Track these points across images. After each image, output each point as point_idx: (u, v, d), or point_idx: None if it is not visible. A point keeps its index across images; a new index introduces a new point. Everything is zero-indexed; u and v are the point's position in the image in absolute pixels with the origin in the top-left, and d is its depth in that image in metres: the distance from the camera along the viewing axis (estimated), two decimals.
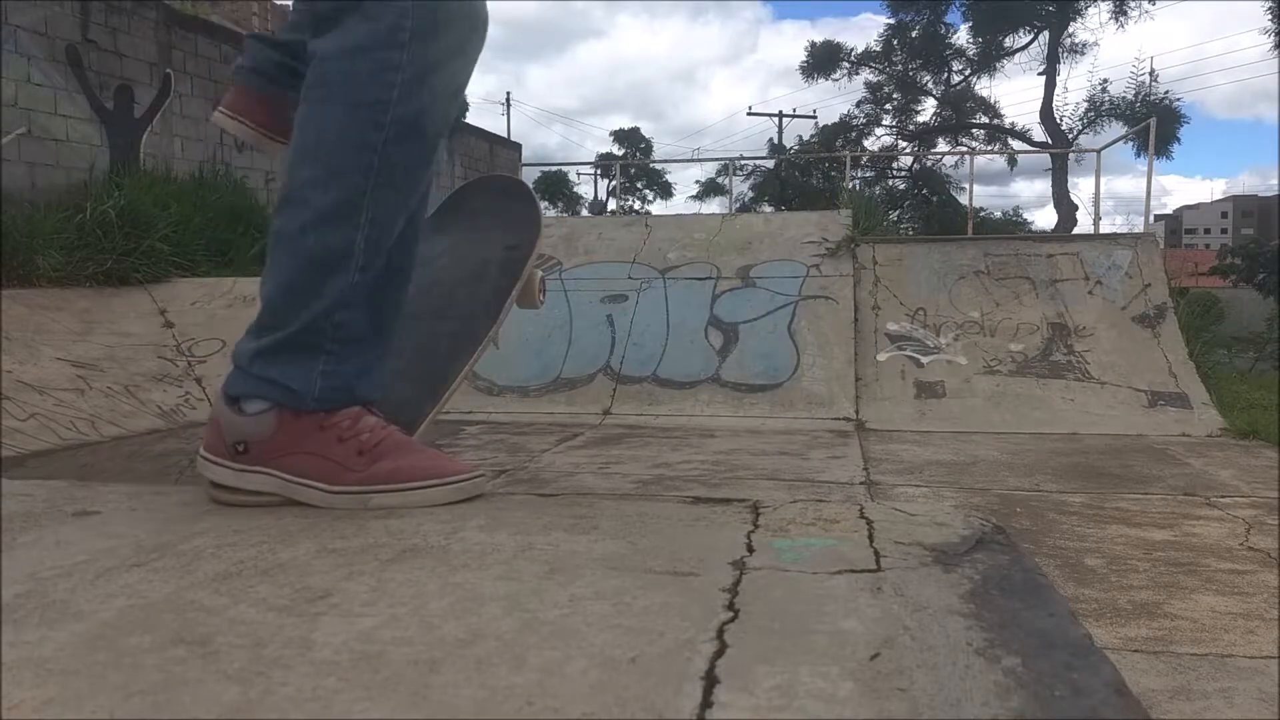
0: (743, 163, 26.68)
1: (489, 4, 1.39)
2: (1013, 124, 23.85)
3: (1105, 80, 32.97)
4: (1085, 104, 21.36)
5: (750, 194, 27.09)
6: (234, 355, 1.28)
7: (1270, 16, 17.94)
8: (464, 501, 1.26)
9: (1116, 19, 20.66)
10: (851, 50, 23.67)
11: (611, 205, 31.44)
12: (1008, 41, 21.79)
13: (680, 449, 4.96)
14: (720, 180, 31.51)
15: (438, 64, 1.25)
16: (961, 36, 22.50)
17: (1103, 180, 10.54)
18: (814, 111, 35.30)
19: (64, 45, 8.18)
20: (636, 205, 37.47)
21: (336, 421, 1.25)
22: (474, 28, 1.31)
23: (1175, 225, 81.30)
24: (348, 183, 1.23)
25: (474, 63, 1.35)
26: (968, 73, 23.04)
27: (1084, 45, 21.37)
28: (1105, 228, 21.53)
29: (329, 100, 1.25)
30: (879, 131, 25.04)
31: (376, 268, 1.26)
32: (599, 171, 34.68)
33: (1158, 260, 6.88)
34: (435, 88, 1.26)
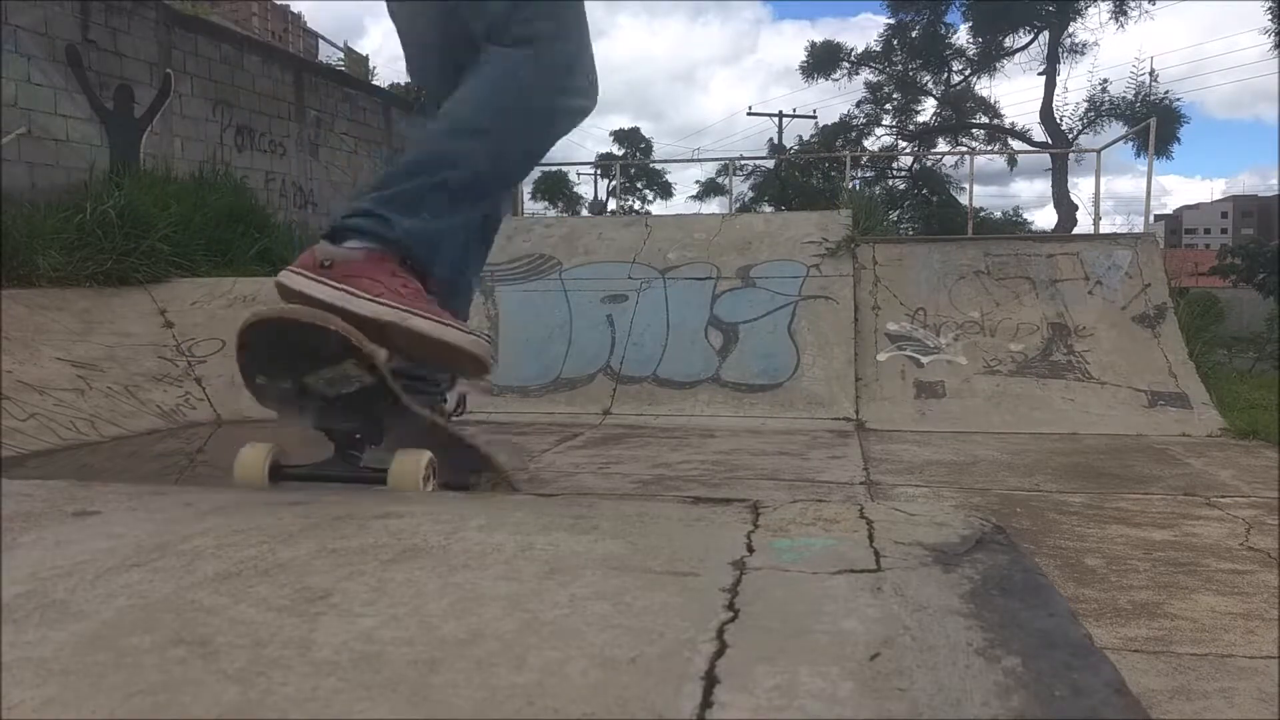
0: (743, 163, 26.68)
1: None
2: (1013, 124, 23.87)
3: (1105, 80, 33.00)
4: (1085, 104, 21.38)
5: (750, 194, 27.09)
6: (353, 199, 1.65)
7: (1270, 16, 17.95)
8: (468, 496, 1.26)
9: (1116, 19, 20.67)
10: (851, 50, 23.68)
11: (611, 205, 31.44)
12: (1008, 41, 21.79)
13: (680, 449, 4.96)
14: (720, 180, 31.51)
15: (550, 121, 1.71)
16: (961, 36, 22.52)
17: (1103, 180, 10.55)
18: (814, 111, 35.32)
19: (64, 45, 8.18)
20: (636, 205, 37.46)
21: (403, 273, 1.54)
22: (571, 115, 1.72)
23: (1175, 225, 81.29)
24: (491, 133, 1.62)
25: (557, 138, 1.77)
26: (968, 73, 23.04)
27: (1084, 45, 21.39)
28: (1105, 228, 21.53)
29: (500, 84, 1.62)
30: (879, 131, 25.05)
31: (478, 190, 1.66)
32: (599, 171, 34.68)
33: (1158, 260, 6.88)
34: (552, 134, 1.73)
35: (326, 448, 1.57)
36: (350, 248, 1.51)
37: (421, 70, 1.90)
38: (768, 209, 23.03)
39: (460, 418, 1.84)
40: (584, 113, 1.73)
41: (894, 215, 20.99)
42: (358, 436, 1.59)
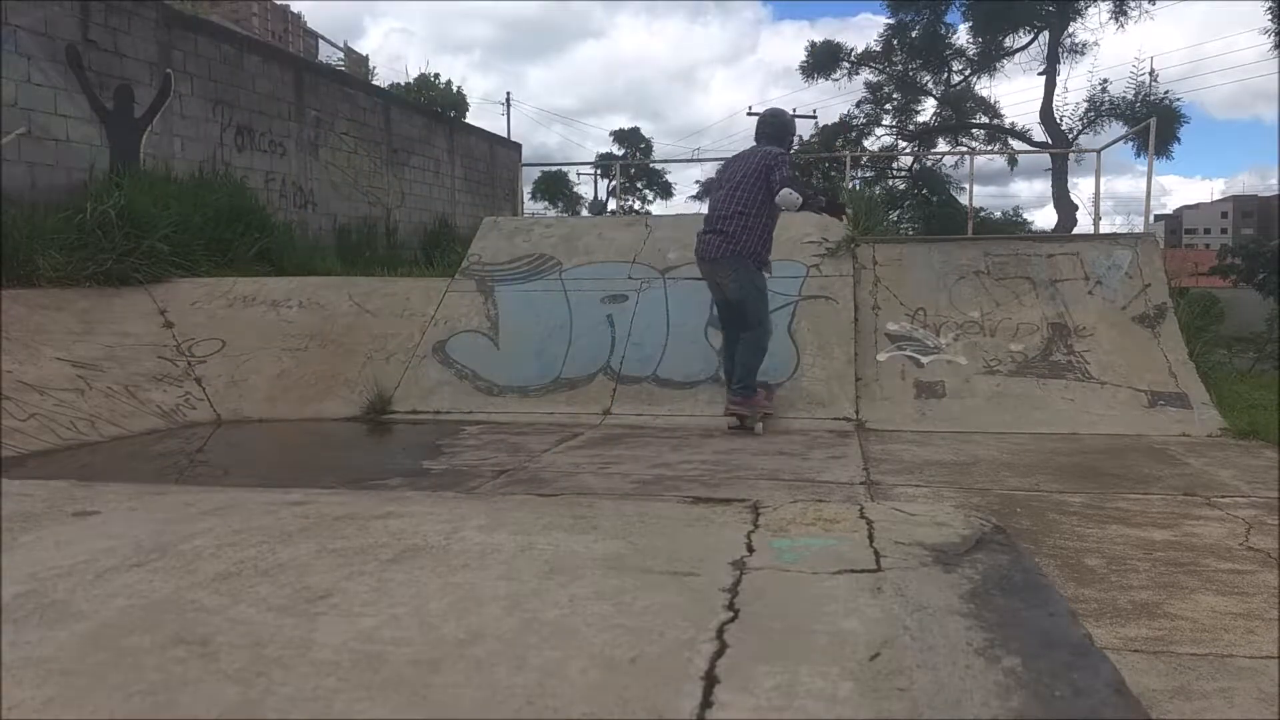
0: None
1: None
2: (1013, 124, 23.85)
3: (1105, 80, 32.98)
4: (1085, 104, 21.36)
5: None
6: (731, 393, 5.67)
7: (1270, 16, 17.93)
8: (467, 496, 1.26)
9: (1116, 19, 20.66)
10: (851, 50, 23.68)
11: (611, 205, 31.42)
12: (1008, 41, 21.78)
13: (680, 449, 4.95)
14: None
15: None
16: (961, 36, 22.51)
17: (1103, 180, 10.54)
18: (814, 111, 35.26)
19: (64, 45, 8.18)
20: (636, 205, 37.45)
21: (758, 397, 5.62)
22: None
23: (1175, 225, 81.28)
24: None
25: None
26: (968, 73, 23.03)
27: (1084, 45, 21.37)
28: (1105, 228, 21.51)
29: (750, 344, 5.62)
30: (879, 131, 25.04)
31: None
32: (599, 171, 34.67)
33: (1158, 260, 6.88)
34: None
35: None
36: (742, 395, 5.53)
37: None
38: None
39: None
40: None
41: (894, 215, 20.97)
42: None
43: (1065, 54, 21.07)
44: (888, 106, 24.39)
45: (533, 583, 0.92)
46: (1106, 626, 2.21)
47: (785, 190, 5.25)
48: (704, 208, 7.22)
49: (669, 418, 6.02)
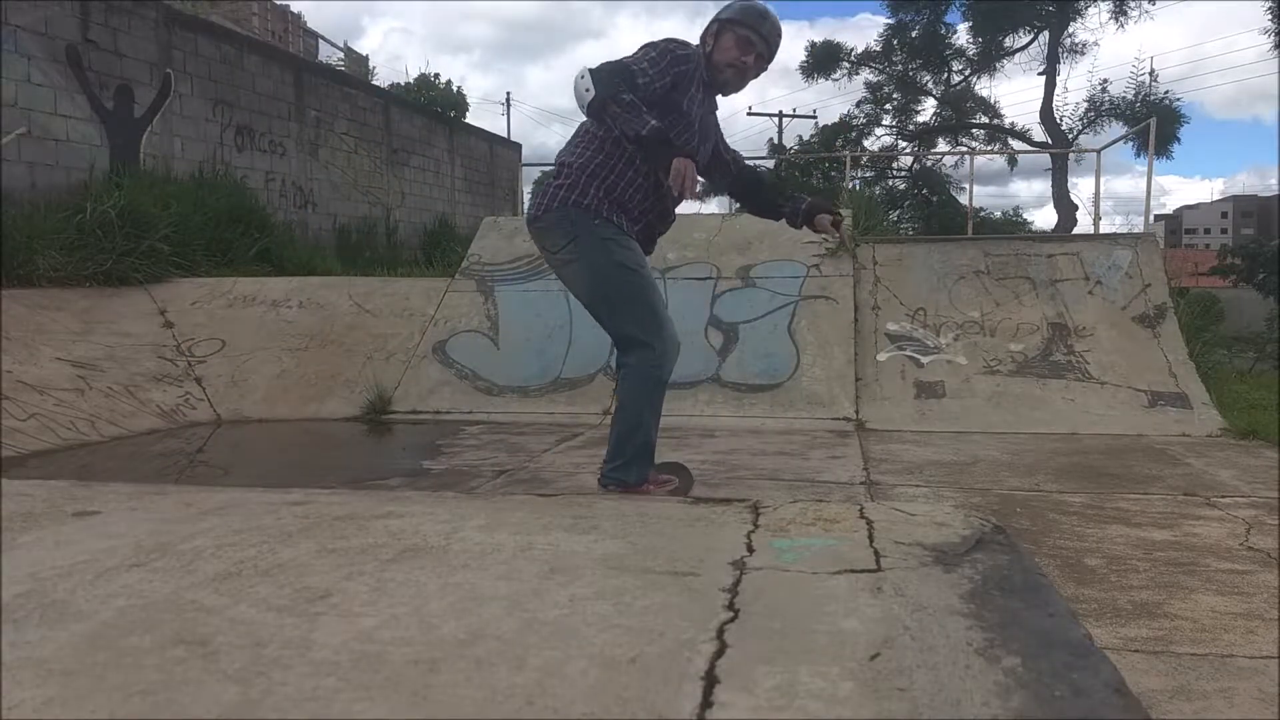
0: None
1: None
2: (1013, 124, 23.83)
3: (1105, 80, 32.97)
4: (1085, 104, 21.34)
5: None
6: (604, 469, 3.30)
7: (1270, 17, 17.91)
8: (467, 496, 1.26)
9: (1116, 19, 20.64)
10: (851, 50, 23.66)
11: None
12: (1008, 41, 21.76)
13: (680, 449, 4.95)
14: None
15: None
16: (961, 36, 22.50)
17: (1102, 180, 10.55)
18: (814, 111, 35.31)
19: (64, 45, 8.18)
20: None
21: (646, 489, 3.19)
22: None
23: (1175, 225, 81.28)
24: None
25: None
26: (968, 73, 23.02)
27: (1084, 45, 21.35)
28: (1105, 228, 21.51)
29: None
30: (879, 131, 25.03)
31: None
32: None
33: (1158, 260, 6.88)
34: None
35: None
36: (612, 490, 3.21)
37: None
38: None
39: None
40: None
41: (894, 215, 20.96)
42: None
43: (1065, 54, 21.06)
44: (888, 106, 24.37)
45: (533, 583, 0.92)
46: (1106, 626, 2.21)
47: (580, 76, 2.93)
48: (704, 207, 6.91)
49: (668, 417, 6.01)
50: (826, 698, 0.64)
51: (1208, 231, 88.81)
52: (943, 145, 24.50)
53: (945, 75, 23.27)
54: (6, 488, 1.35)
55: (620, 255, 3.10)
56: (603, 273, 3.10)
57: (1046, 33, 20.93)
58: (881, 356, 6.44)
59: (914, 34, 22.44)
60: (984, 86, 27.18)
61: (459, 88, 22.40)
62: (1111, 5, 20.43)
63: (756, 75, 3.29)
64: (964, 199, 20.46)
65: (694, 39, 3.29)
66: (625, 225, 3.16)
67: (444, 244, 11.74)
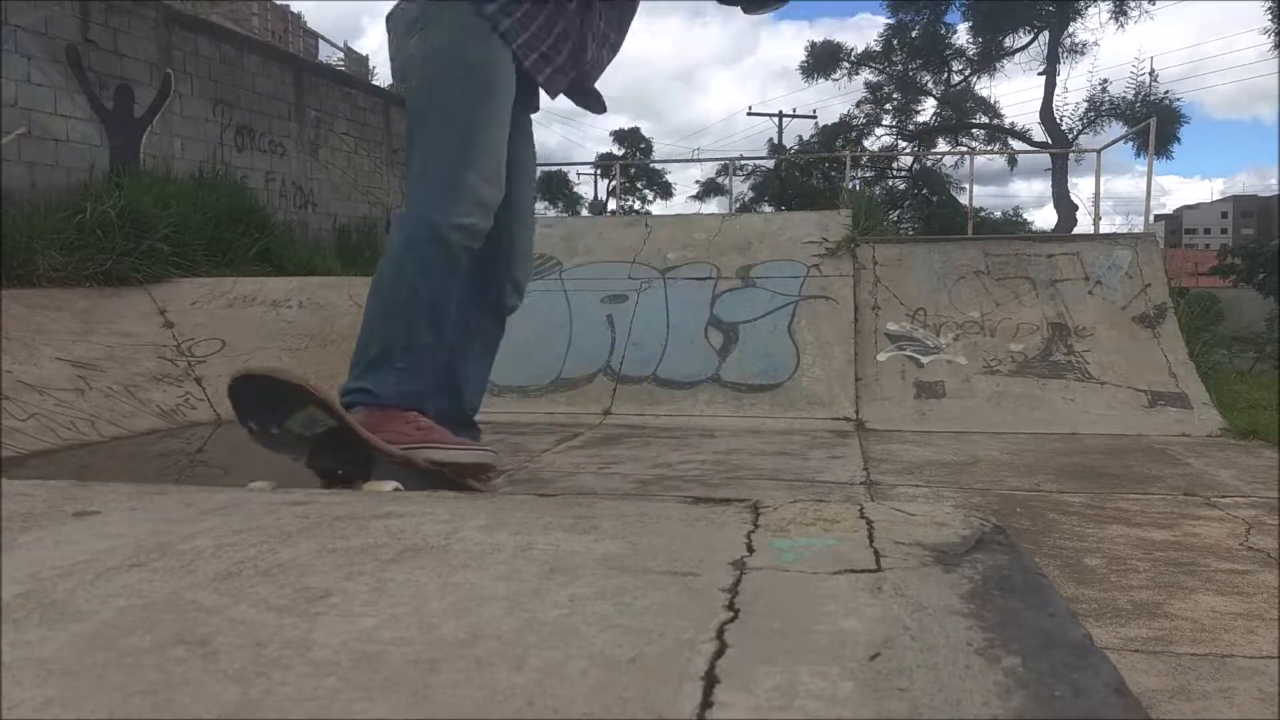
0: (743, 163, 26.69)
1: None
2: (1013, 124, 23.87)
3: (1105, 80, 32.97)
4: (1085, 104, 21.38)
5: (750, 194, 27.08)
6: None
7: (1270, 17, 17.95)
8: (467, 496, 1.26)
9: (1116, 19, 20.68)
10: (851, 50, 23.69)
11: (611, 205, 31.41)
12: (1008, 41, 21.79)
13: (680, 449, 4.95)
14: (720, 180, 31.49)
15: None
16: (961, 36, 22.52)
17: (1102, 180, 10.54)
18: (814, 111, 35.28)
19: (64, 45, 8.18)
20: (636, 205, 37.45)
21: (407, 416, 2.03)
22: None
23: (1175, 225, 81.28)
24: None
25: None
26: (968, 73, 23.04)
27: (1084, 45, 21.39)
28: (1105, 228, 21.50)
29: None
30: (879, 131, 25.05)
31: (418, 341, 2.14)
32: (599, 171, 34.66)
33: (1158, 260, 6.88)
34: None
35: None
36: (357, 413, 1.99)
37: None
38: (768, 209, 23.04)
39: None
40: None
41: (894, 215, 20.99)
42: (339, 472, 1.97)
43: (1065, 54, 21.09)
44: (888, 106, 24.40)
45: (533, 583, 0.92)
46: (1106, 626, 2.21)
47: None
48: (704, 207, 6.86)
49: (669, 418, 6.02)
50: (826, 698, 0.64)
51: (1208, 231, 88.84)
52: (943, 145, 24.53)
53: (945, 75, 23.29)
54: (6, 488, 1.35)
55: (475, 51, 2.28)
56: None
57: (1046, 33, 20.94)
58: (881, 356, 6.44)
59: (914, 34, 22.46)
60: (984, 86, 27.20)
61: None
62: (1111, 5, 20.47)
63: None
64: (964, 199, 20.48)
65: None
66: None
67: None
